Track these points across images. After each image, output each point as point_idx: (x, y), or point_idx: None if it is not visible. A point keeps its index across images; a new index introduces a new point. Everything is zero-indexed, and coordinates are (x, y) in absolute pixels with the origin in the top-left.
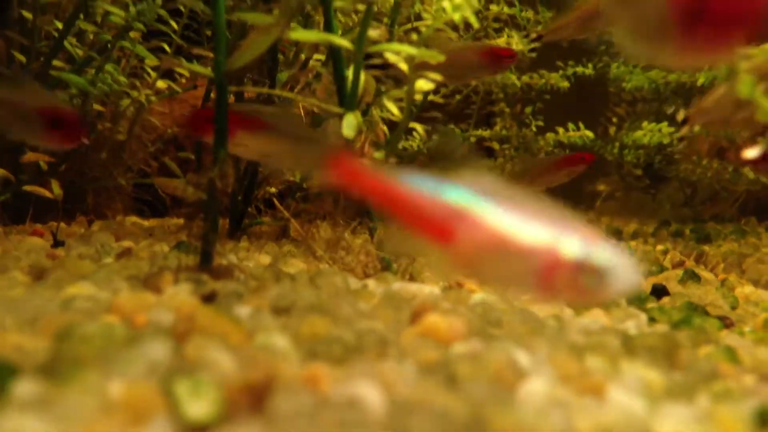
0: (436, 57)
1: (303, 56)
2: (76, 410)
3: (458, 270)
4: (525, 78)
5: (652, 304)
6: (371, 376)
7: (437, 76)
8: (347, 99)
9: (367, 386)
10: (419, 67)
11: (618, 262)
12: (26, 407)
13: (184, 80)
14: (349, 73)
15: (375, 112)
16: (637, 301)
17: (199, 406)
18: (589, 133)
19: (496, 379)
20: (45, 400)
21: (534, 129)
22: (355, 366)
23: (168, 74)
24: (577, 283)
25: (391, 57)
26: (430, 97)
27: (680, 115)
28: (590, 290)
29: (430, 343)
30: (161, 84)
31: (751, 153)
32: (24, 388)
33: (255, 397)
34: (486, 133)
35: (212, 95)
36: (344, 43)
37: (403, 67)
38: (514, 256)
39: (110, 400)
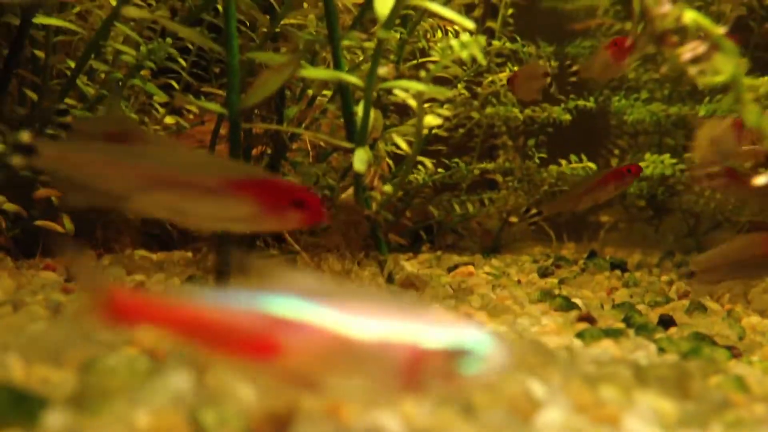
0: (443, 93)
1: (310, 92)
2: None
3: (288, 386)
4: (527, 111)
5: (660, 335)
6: (390, 407)
7: (446, 111)
8: (357, 134)
9: (387, 417)
10: None
11: (485, 341)
12: None
13: (191, 116)
14: (359, 109)
15: (380, 146)
16: (645, 331)
17: None
18: (592, 165)
19: (512, 409)
20: (75, 430)
21: (537, 161)
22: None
23: (176, 110)
24: (447, 370)
25: (400, 93)
26: (434, 131)
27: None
28: (461, 375)
29: None
30: (169, 120)
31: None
32: (54, 418)
33: (278, 426)
34: (489, 166)
35: (221, 131)
36: (354, 80)
37: (412, 103)
38: (368, 356)
39: (139, 429)
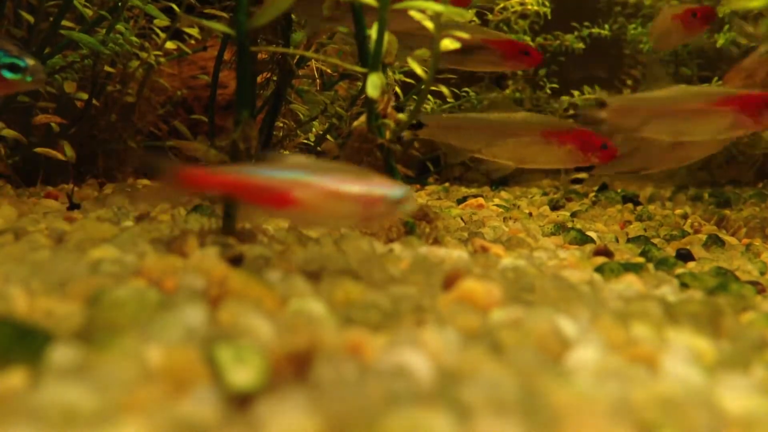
0: (463, 14)
1: None
2: (117, 377)
3: (298, 222)
4: (539, 39)
5: (680, 269)
6: (415, 344)
7: (464, 34)
8: (372, 58)
9: (413, 354)
10: None
11: (406, 194)
12: (65, 375)
13: (193, 41)
14: (372, 32)
15: (389, 74)
16: (665, 266)
17: (243, 374)
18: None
19: (541, 347)
20: (83, 367)
21: (548, 91)
22: (396, 333)
23: (177, 35)
24: (384, 209)
25: (415, 15)
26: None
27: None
28: (391, 213)
29: (468, 310)
30: (170, 45)
31: None
32: (60, 354)
33: (298, 365)
34: (499, 96)
35: (225, 55)
36: (368, 0)
37: (429, 25)
38: (345, 202)
39: (150, 366)
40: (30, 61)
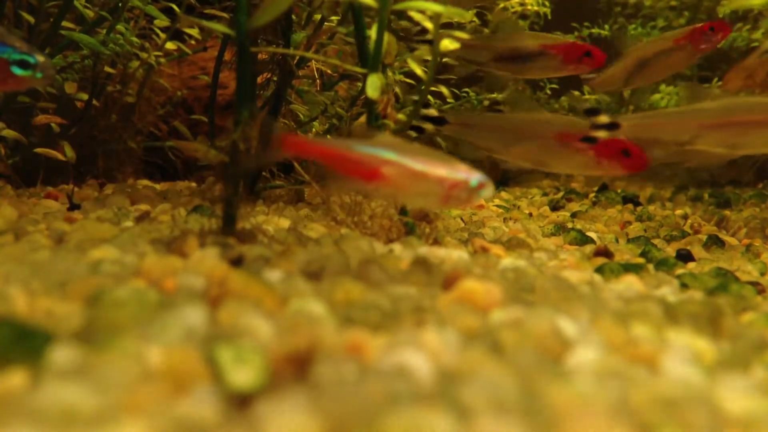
0: (462, 15)
1: (317, 17)
2: (117, 377)
3: (382, 196)
4: None
5: (680, 270)
6: (415, 345)
7: (463, 35)
8: (371, 59)
9: (413, 355)
10: None
11: (484, 181)
12: (65, 375)
13: (193, 42)
14: (372, 32)
15: (389, 74)
16: (665, 266)
17: (243, 374)
18: (605, 97)
19: (541, 348)
20: (83, 367)
21: (548, 92)
22: (396, 333)
23: (177, 36)
24: (464, 194)
25: (415, 15)
26: (444, 59)
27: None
28: (470, 197)
29: (468, 310)
30: (170, 45)
31: None
32: (60, 354)
33: (298, 365)
34: (499, 97)
35: (226, 56)
36: (368, 1)
37: (428, 25)
38: (428, 183)
39: (150, 366)
40: (40, 58)
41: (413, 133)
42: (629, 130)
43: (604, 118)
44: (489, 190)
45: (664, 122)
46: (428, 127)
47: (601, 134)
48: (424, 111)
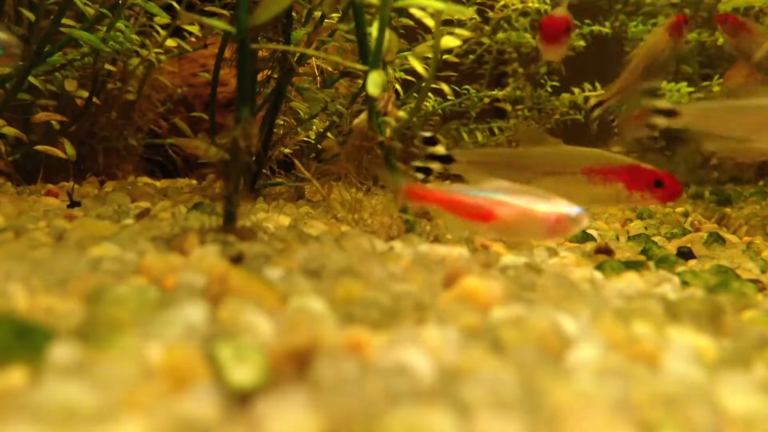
0: (463, 12)
1: (318, 14)
2: (117, 375)
3: (495, 235)
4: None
5: (681, 267)
6: (416, 342)
7: (465, 32)
8: (372, 56)
9: (414, 353)
10: None
11: (581, 213)
12: (65, 372)
13: (193, 39)
14: (373, 29)
15: (389, 71)
16: (665, 264)
17: (244, 372)
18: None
19: (542, 345)
20: (83, 365)
21: (549, 89)
22: (396, 331)
23: (177, 33)
24: (566, 227)
25: (416, 12)
26: (444, 56)
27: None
28: (571, 229)
29: (469, 307)
30: (170, 43)
31: None
32: (61, 352)
33: (298, 363)
34: (499, 94)
35: (226, 53)
36: None
37: (429, 23)
38: (537, 220)
39: (150, 364)
40: (4, 36)
41: (421, 175)
42: (688, 119)
43: (664, 104)
44: (586, 221)
45: (726, 116)
46: (435, 166)
47: (660, 121)
48: (431, 149)
